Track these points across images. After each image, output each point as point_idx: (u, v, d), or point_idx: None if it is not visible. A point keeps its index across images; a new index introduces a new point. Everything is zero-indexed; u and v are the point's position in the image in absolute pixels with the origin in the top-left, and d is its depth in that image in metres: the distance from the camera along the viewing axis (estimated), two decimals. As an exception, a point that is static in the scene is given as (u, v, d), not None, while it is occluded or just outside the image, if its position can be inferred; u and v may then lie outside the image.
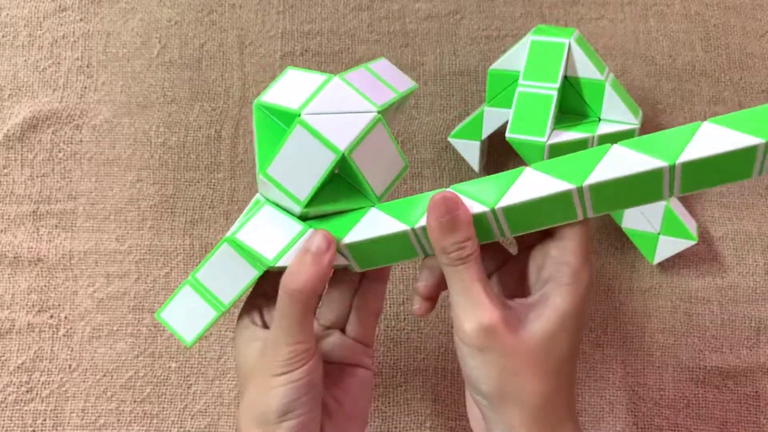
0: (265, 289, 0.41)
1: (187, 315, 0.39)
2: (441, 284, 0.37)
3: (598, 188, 0.32)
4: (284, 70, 0.37)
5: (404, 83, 0.39)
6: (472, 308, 0.33)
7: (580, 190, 0.33)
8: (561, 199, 0.33)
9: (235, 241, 0.37)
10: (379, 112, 0.35)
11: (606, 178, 0.32)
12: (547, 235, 0.36)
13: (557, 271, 0.35)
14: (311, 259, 0.35)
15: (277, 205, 0.38)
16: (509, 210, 0.34)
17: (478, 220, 0.35)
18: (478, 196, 0.35)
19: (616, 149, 0.33)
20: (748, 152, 0.30)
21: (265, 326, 0.40)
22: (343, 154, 0.34)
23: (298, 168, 0.35)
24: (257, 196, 0.39)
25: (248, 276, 0.38)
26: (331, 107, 0.35)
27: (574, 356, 0.35)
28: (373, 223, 0.36)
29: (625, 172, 0.32)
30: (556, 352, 0.34)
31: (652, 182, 0.32)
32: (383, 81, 0.38)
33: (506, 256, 0.40)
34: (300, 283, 0.35)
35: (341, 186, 0.37)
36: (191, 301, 0.39)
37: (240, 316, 0.40)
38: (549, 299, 0.34)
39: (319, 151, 0.34)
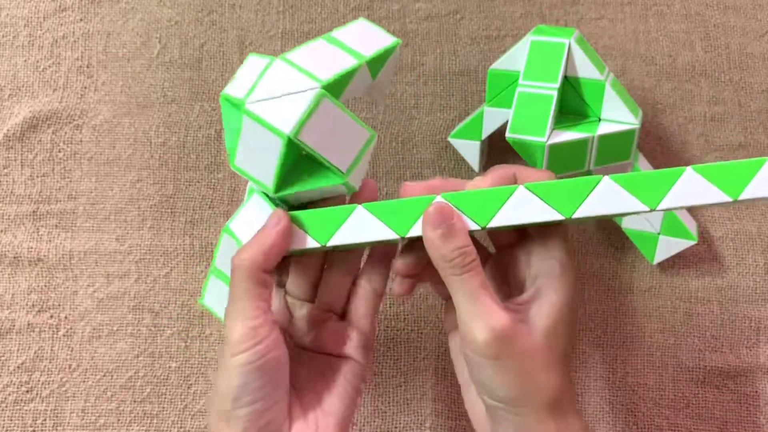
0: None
1: (220, 300, 0.40)
2: (420, 263, 0.37)
3: (586, 220, 0.34)
4: (246, 56, 0.37)
5: (377, 43, 0.38)
6: (482, 316, 0.33)
7: (568, 221, 0.34)
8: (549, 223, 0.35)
9: (230, 231, 0.38)
10: (323, 87, 0.35)
11: (594, 214, 0.34)
12: (526, 236, 0.37)
13: (546, 267, 0.36)
14: (258, 234, 0.35)
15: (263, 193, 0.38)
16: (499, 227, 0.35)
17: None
18: (470, 213, 0.35)
19: (607, 183, 0.34)
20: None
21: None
22: (289, 137, 0.34)
23: (258, 156, 0.35)
24: (249, 184, 0.40)
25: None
26: (274, 91, 0.35)
27: (572, 343, 0.36)
28: (361, 227, 0.36)
29: (613, 210, 0.34)
30: (560, 344, 0.35)
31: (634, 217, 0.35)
32: (346, 48, 0.37)
33: (485, 254, 0.40)
34: (244, 256, 0.35)
35: (307, 166, 0.37)
36: (220, 288, 0.40)
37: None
38: (543, 295, 0.35)
39: (268, 138, 0.34)
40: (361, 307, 0.40)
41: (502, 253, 0.39)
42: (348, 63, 0.36)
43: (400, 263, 0.37)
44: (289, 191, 0.36)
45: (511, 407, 0.34)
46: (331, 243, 0.36)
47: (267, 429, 0.35)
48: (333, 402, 0.38)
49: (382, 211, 0.36)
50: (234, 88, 0.37)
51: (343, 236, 0.36)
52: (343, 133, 0.36)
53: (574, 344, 0.36)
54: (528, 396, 0.34)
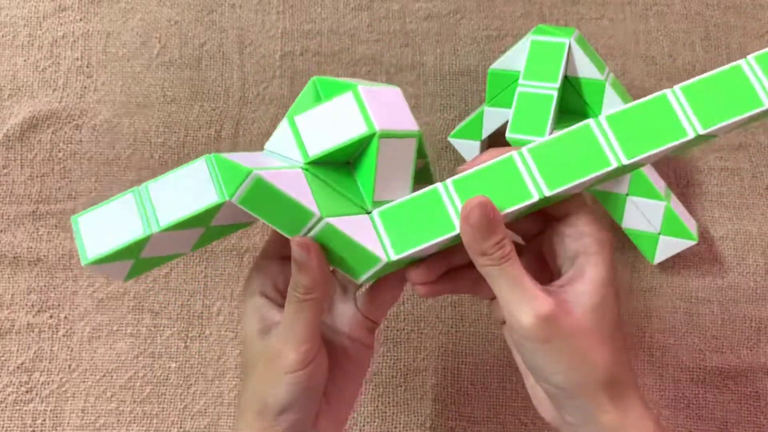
0: (283, 252, 0.39)
1: (107, 226, 0.34)
2: (434, 271, 0.37)
3: (615, 119, 0.33)
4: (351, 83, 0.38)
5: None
6: (527, 302, 0.33)
7: (598, 122, 0.34)
8: (584, 135, 0.34)
9: (217, 156, 0.33)
10: (419, 133, 0.37)
11: (619, 110, 0.34)
12: (550, 222, 0.37)
13: (581, 245, 0.35)
14: (301, 266, 0.35)
15: (276, 154, 0.37)
16: (537, 152, 0.34)
17: (512, 174, 0.34)
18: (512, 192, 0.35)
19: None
20: (737, 72, 0.34)
21: (273, 299, 0.39)
22: (376, 133, 0.34)
23: (325, 127, 0.35)
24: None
25: (203, 202, 0.33)
26: (385, 101, 0.36)
27: (620, 319, 0.36)
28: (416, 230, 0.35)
29: (634, 103, 0.34)
30: (608, 319, 0.35)
31: (665, 112, 0.33)
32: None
33: (518, 247, 0.40)
34: (305, 296, 0.35)
35: (345, 175, 0.37)
36: (123, 213, 0.34)
37: (249, 279, 0.39)
38: (585, 272, 0.35)
39: (354, 121, 0.35)
40: (384, 302, 0.40)
41: (532, 243, 0.39)
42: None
43: (413, 275, 0.37)
44: (318, 172, 0.36)
45: (568, 392, 0.34)
46: (396, 257, 0.35)
47: (301, 431, 0.37)
48: (347, 387, 0.39)
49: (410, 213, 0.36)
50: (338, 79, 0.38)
51: (407, 248, 0.35)
52: (400, 176, 0.37)
53: (620, 316, 0.36)
54: (584, 378, 0.33)
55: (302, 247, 0.34)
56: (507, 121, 0.48)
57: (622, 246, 0.54)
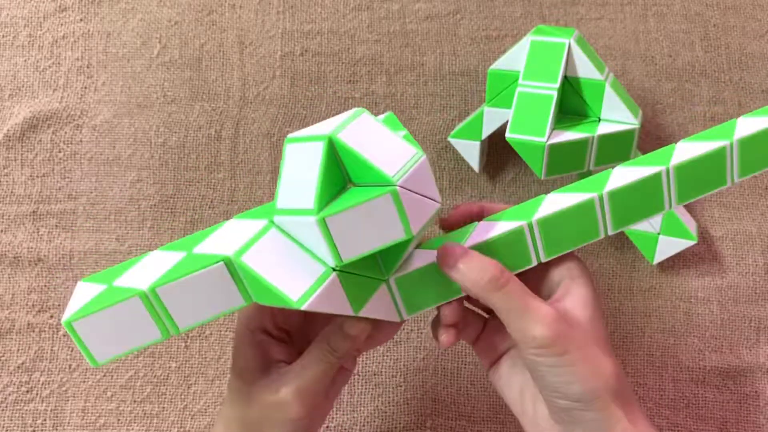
0: None
1: (114, 329, 0.32)
2: (462, 309, 0.38)
3: (616, 195, 0.35)
4: (358, 111, 0.35)
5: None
6: (537, 316, 0.34)
7: (600, 197, 0.35)
8: (584, 210, 0.36)
9: (240, 265, 0.32)
10: (439, 208, 0.36)
11: (621, 185, 0.35)
12: None
13: (564, 271, 0.37)
14: (353, 339, 0.36)
15: (289, 236, 0.34)
16: (544, 223, 0.36)
17: (517, 239, 0.36)
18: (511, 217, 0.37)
19: (618, 170, 0.37)
20: (719, 155, 0.34)
21: (275, 336, 0.39)
22: (413, 236, 0.33)
23: (360, 230, 0.33)
24: (264, 220, 0.35)
25: (227, 305, 0.33)
26: (417, 187, 0.33)
27: (609, 336, 0.37)
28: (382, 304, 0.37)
29: (630, 179, 0.35)
30: (601, 332, 0.36)
31: (654, 189, 0.35)
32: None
33: None
34: (341, 354, 0.37)
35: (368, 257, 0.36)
36: (132, 316, 0.32)
37: (248, 314, 0.39)
38: (572, 292, 0.36)
39: (392, 226, 0.33)
40: (378, 341, 0.42)
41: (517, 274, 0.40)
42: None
43: (446, 312, 0.38)
44: (348, 267, 0.35)
45: (586, 405, 0.34)
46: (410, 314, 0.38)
47: None
48: (326, 405, 0.40)
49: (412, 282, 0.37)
50: (364, 149, 0.34)
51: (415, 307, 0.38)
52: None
53: (608, 335, 0.37)
54: (599, 385, 0.34)
55: (363, 330, 0.36)
56: (507, 121, 0.48)
57: (622, 246, 0.54)
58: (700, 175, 0.35)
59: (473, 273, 0.35)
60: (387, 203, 0.32)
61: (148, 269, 0.34)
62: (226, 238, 0.34)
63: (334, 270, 0.33)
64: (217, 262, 0.32)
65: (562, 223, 0.36)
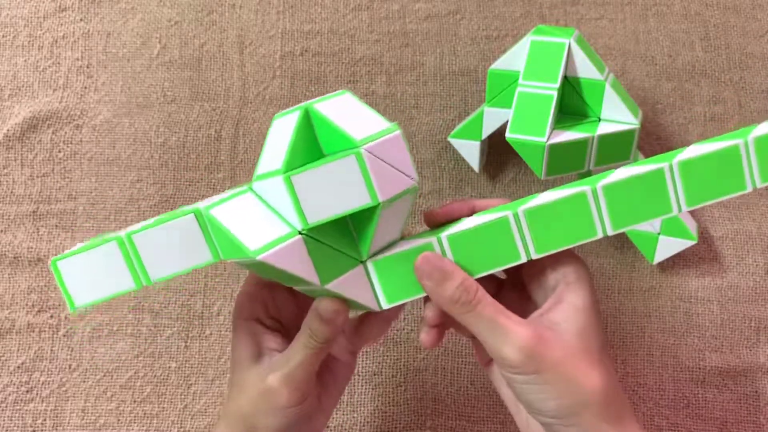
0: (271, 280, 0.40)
1: (93, 274, 0.34)
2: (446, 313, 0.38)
3: (611, 189, 0.34)
4: (341, 91, 0.36)
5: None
6: (507, 338, 0.34)
7: (594, 191, 0.34)
8: (576, 204, 0.35)
9: (209, 217, 0.33)
10: (416, 187, 0.36)
11: (616, 180, 0.34)
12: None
13: (560, 275, 0.36)
14: (327, 321, 0.36)
15: (263, 200, 0.35)
16: (531, 214, 0.35)
17: (501, 231, 0.35)
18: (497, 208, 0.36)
19: (621, 168, 0.35)
20: (732, 153, 0.32)
21: (268, 326, 0.39)
22: (379, 203, 0.34)
23: (325, 192, 0.33)
24: (243, 186, 0.36)
25: (196, 260, 0.34)
26: (387, 157, 0.34)
27: (605, 345, 0.36)
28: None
29: (631, 173, 0.34)
30: (593, 344, 0.35)
31: (657, 187, 0.34)
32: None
33: (498, 281, 0.41)
34: (322, 339, 0.36)
35: (341, 227, 0.36)
36: (109, 261, 0.34)
37: (241, 303, 0.40)
38: (565, 300, 0.35)
39: (357, 190, 0.33)
40: (369, 337, 0.42)
41: (513, 275, 0.40)
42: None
43: (429, 313, 0.38)
44: (316, 234, 0.35)
45: (564, 421, 0.34)
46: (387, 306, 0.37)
47: None
48: (327, 401, 0.40)
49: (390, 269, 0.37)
50: (337, 118, 0.35)
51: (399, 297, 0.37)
52: (394, 227, 0.37)
53: (605, 343, 0.36)
54: (578, 404, 0.33)
55: (334, 310, 0.35)
56: (507, 121, 0.48)
57: (621, 246, 0.54)
58: (712, 176, 0.33)
59: (442, 292, 0.35)
60: (351, 165, 0.33)
61: (140, 224, 0.35)
62: (211, 200, 0.36)
63: (300, 233, 0.34)
64: (188, 213, 0.33)
65: (551, 217, 0.35)
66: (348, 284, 0.36)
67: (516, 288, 0.40)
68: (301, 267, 0.34)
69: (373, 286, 0.37)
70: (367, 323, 0.40)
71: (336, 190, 0.33)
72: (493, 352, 0.34)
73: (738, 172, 0.33)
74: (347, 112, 0.35)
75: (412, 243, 0.36)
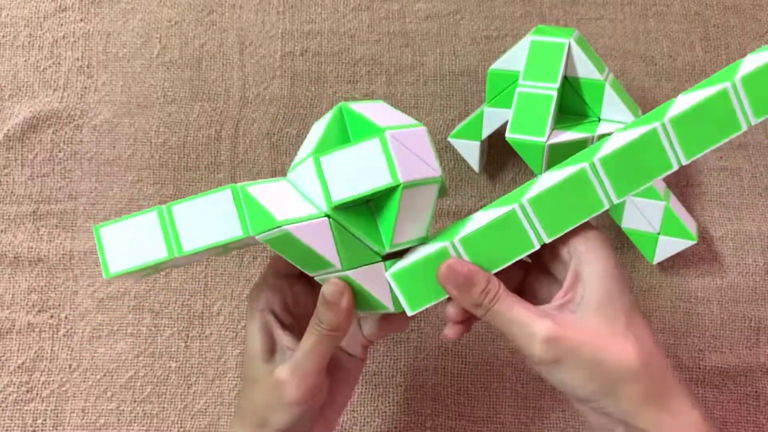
0: (291, 269, 0.40)
1: (130, 242, 0.36)
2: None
3: (608, 160, 0.34)
4: (377, 99, 0.38)
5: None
6: (526, 332, 0.34)
7: (592, 166, 0.35)
8: (580, 181, 0.35)
9: (244, 191, 0.35)
10: (441, 178, 0.37)
11: (611, 150, 0.34)
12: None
13: (573, 249, 0.36)
14: (331, 305, 0.36)
15: (297, 188, 0.37)
16: (536, 202, 0.35)
17: (511, 224, 0.36)
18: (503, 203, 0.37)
19: (614, 136, 0.36)
20: (722, 97, 0.32)
21: (283, 320, 0.39)
22: (400, 184, 0.35)
23: (350, 172, 0.35)
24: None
25: (227, 234, 0.35)
26: (410, 145, 0.36)
27: (632, 306, 0.35)
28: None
29: (624, 140, 0.34)
30: (617, 312, 0.34)
31: (654, 148, 0.34)
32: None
33: (525, 265, 0.41)
34: (328, 325, 0.36)
35: (366, 216, 0.37)
36: (147, 231, 0.36)
37: (257, 293, 0.40)
38: (583, 272, 0.35)
39: (379, 169, 0.35)
40: (390, 331, 0.42)
41: (537, 256, 0.40)
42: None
43: (452, 310, 0.38)
44: (340, 217, 0.36)
45: (602, 402, 0.34)
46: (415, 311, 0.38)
47: None
48: (339, 395, 0.40)
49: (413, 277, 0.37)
50: (366, 111, 0.37)
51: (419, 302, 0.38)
52: (419, 220, 0.38)
53: (632, 304, 0.35)
54: (608, 384, 0.33)
55: (337, 290, 0.36)
56: (507, 121, 0.48)
57: (621, 246, 0.54)
58: (705, 124, 0.33)
59: (467, 298, 0.36)
60: (375, 147, 0.35)
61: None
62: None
63: (327, 216, 0.35)
64: (225, 189, 0.35)
65: (556, 200, 0.35)
66: (368, 276, 0.37)
67: (542, 270, 0.39)
68: (323, 246, 0.35)
69: (394, 294, 0.38)
70: (389, 318, 0.40)
71: (360, 171, 0.35)
72: (517, 346, 0.35)
73: (730, 114, 0.33)
74: (379, 111, 0.37)
75: (428, 248, 0.37)
